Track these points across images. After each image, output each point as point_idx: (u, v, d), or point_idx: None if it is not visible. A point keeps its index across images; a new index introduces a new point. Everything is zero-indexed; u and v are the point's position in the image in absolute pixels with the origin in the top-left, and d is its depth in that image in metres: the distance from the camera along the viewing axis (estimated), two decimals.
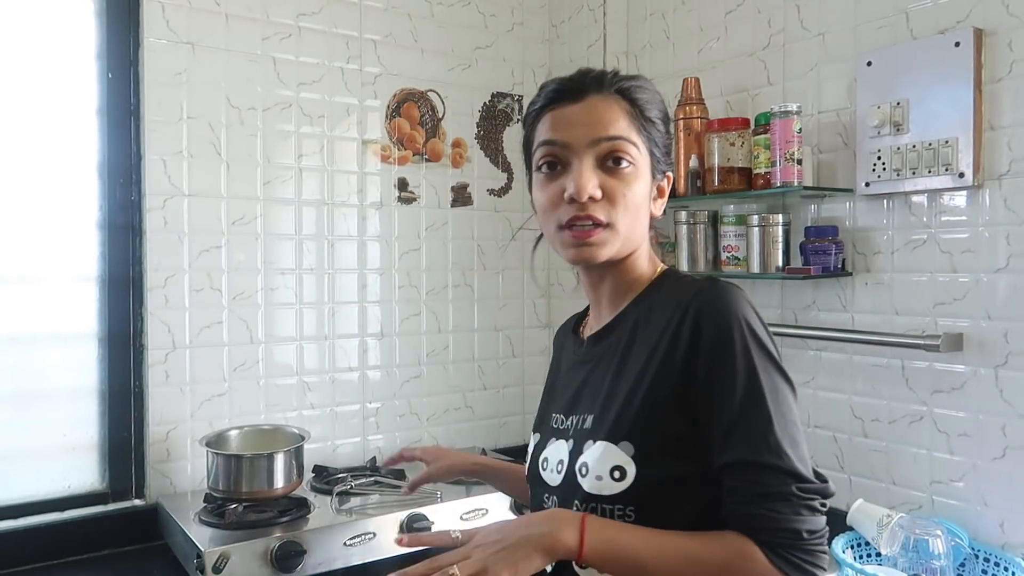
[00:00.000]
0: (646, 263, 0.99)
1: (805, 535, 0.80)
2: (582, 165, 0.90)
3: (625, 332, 0.95)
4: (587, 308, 1.08)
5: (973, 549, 1.40)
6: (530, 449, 1.05)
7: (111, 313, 1.73)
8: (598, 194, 0.90)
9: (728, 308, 0.86)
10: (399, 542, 1.24)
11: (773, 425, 0.82)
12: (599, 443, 0.89)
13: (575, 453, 0.93)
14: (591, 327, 1.04)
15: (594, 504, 0.88)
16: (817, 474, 0.85)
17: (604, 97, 0.93)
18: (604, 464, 0.87)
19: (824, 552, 0.82)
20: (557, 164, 0.93)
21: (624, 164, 0.91)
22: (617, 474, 0.86)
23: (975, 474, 1.43)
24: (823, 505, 0.83)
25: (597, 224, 0.91)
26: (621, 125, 0.92)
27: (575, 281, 1.06)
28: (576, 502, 0.89)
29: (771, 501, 0.80)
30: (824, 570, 0.82)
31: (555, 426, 1.00)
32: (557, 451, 0.97)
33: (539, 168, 0.95)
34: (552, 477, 0.96)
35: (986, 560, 1.38)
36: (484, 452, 2.01)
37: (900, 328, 1.52)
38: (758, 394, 0.83)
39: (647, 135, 0.94)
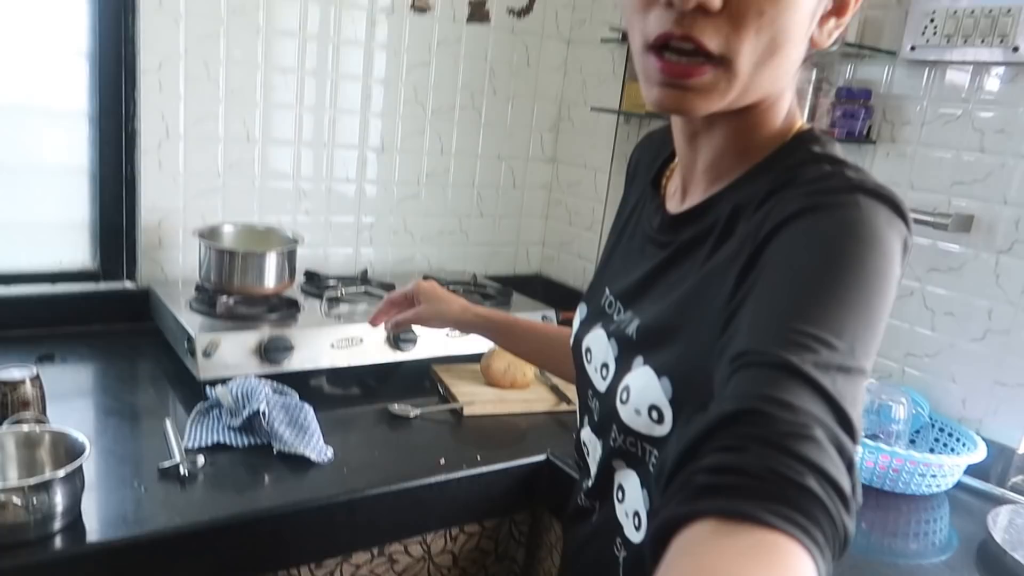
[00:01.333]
0: (779, 119, 0.68)
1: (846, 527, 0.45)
2: None
3: (717, 225, 0.68)
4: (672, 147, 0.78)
5: (931, 419, 1.46)
6: (576, 320, 0.87)
7: (102, 93, 1.65)
8: (716, 2, 0.57)
9: (847, 228, 0.57)
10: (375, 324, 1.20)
11: (847, 310, 0.53)
12: (645, 369, 0.70)
13: (621, 366, 0.75)
14: (676, 191, 0.77)
15: (631, 438, 0.74)
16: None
17: None
18: (644, 398, 0.70)
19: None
20: None
21: None
22: (655, 415, 0.69)
23: (951, 352, 1.47)
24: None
25: (702, 54, 0.59)
26: None
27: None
28: (614, 427, 0.75)
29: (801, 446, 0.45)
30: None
31: (606, 308, 0.81)
32: (601, 347, 0.79)
33: None
34: (596, 378, 0.80)
35: (941, 430, 1.45)
36: (475, 277, 2.03)
37: (912, 203, 1.50)
38: (835, 268, 0.55)
39: None
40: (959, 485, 1.37)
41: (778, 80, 0.64)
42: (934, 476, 1.31)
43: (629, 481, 0.77)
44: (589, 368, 0.81)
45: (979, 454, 1.33)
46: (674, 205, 0.76)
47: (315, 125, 1.89)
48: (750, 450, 0.44)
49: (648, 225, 0.79)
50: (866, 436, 1.38)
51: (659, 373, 0.68)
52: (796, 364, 0.49)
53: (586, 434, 0.84)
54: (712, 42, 0.58)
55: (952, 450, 1.41)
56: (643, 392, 0.69)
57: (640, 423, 0.71)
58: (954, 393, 1.47)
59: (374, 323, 1.24)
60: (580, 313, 0.87)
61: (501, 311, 1.22)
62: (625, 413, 0.72)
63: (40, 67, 1.59)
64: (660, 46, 0.60)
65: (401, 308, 1.21)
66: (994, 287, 1.41)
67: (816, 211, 0.58)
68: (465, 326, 1.16)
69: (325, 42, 1.86)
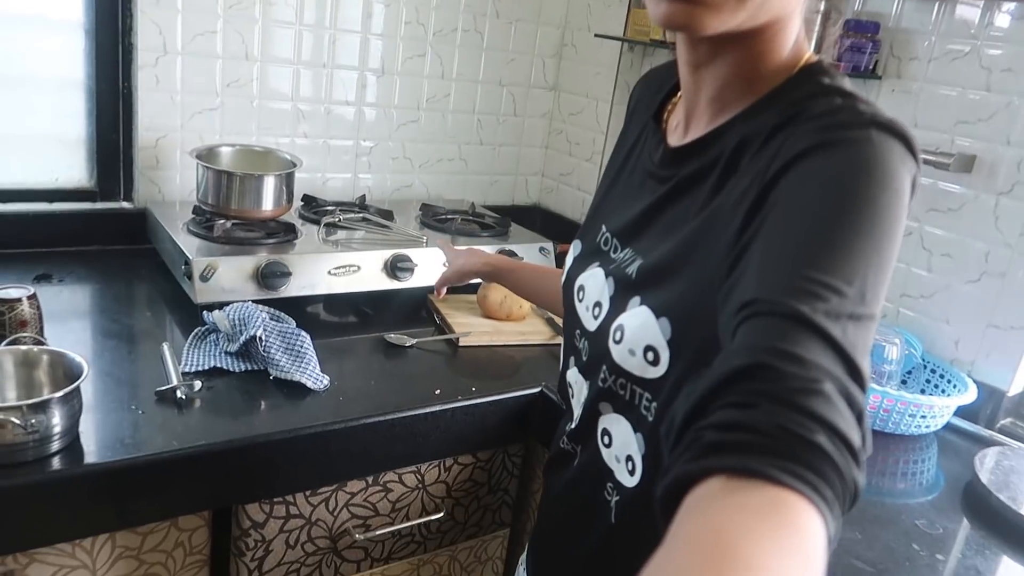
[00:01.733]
0: (787, 48, 0.66)
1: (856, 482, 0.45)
2: None
3: (721, 159, 0.67)
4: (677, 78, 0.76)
5: (924, 360, 1.48)
6: (569, 259, 0.86)
7: (98, 3, 1.61)
8: None
9: (861, 167, 0.55)
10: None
11: (858, 254, 0.52)
12: (643, 308, 0.68)
13: (616, 305, 0.73)
14: (678, 125, 0.75)
15: (622, 379, 0.72)
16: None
17: None
18: (640, 338, 0.68)
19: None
20: None
21: None
22: (650, 356, 0.68)
23: (946, 293, 1.47)
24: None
25: None
26: None
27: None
28: (604, 367, 0.74)
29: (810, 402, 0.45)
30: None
31: (602, 246, 0.79)
32: (596, 285, 0.77)
33: None
34: (587, 317, 0.78)
35: (932, 371, 1.47)
36: (473, 206, 2.01)
37: None
38: (846, 211, 0.54)
39: None
40: (948, 426, 1.39)
41: (790, 1, 0.62)
42: (924, 417, 1.33)
43: (617, 426, 0.76)
44: (580, 307, 0.80)
45: (969, 396, 1.34)
46: (676, 139, 0.74)
47: (315, 44, 1.85)
48: (759, 406, 0.44)
49: (648, 160, 0.77)
50: None
51: (658, 313, 0.67)
52: (806, 314, 0.48)
53: (572, 375, 0.83)
54: None
55: (943, 391, 1.43)
56: (639, 332, 0.68)
57: (633, 363, 0.69)
58: (947, 335, 1.48)
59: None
60: (574, 250, 0.85)
61: (514, 259, 1.38)
62: (618, 353, 0.71)
63: None
64: None
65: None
66: (992, 229, 1.40)
67: (827, 148, 0.56)
68: (479, 275, 1.31)
69: None
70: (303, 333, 1.32)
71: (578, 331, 0.80)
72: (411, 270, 1.59)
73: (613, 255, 0.77)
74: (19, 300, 1.17)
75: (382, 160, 2.04)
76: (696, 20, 0.59)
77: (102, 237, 1.71)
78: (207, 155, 1.66)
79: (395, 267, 1.58)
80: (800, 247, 0.53)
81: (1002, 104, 1.37)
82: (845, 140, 0.56)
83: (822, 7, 0.69)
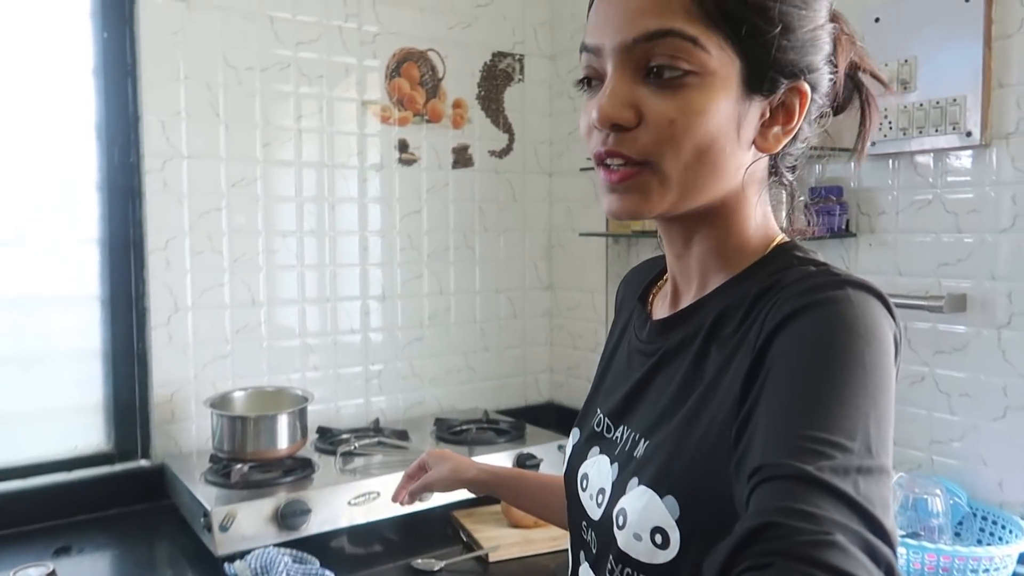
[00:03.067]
0: (751, 227, 0.70)
1: None
2: (612, 78, 0.64)
3: (703, 328, 0.69)
4: (665, 264, 0.80)
5: (971, 508, 1.41)
6: (568, 448, 0.84)
7: (112, 275, 1.73)
8: (626, 117, 0.63)
9: (844, 324, 0.57)
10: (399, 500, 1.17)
11: (856, 409, 0.53)
12: (643, 489, 0.66)
13: (618, 488, 0.70)
14: (664, 302, 0.78)
15: (629, 569, 0.68)
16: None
17: None
18: (645, 521, 0.65)
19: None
20: (594, 78, 0.68)
21: (673, 74, 0.62)
22: (659, 539, 0.64)
23: (975, 434, 1.44)
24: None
25: (628, 162, 0.65)
26: (669, 13, 0.62)
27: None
28: (610, 558, 0.70)
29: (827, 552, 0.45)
30: None
31: (598, 430, 0.79)
32: (600, 472, 0.75)
33: (581, 85, 0.70)
34: (591, 506, 0.75)
35: (984, 519, 1.40)
36: (486, 413, 2.02)
37: (903, 289, 1.51)
38: (836, 368, 0.55)
39: (739, 24, 0.62)
40: None
41: (719, 179, 0.67)
42: (987, 571, 1.25)
43: None
44: (583, 496, 0.77)
45: None
46: (662, 315, 0.77)
47: (317, 281, 1.95)
48: (774, 565, 0.44)
49: (636, 338, 0.79)
50: (906, 535, 1.33)
51: (662, 493, 0.64)
52: (812, 473, 0.49)
53: (584, 572, 0.78)
54: (632, 151, 0.64)
55: (1000, 539, 1.35)
56: (643, 514, 0.65)
57: (640, 549, 0.65)
58: (989, 477, 1.43)
59: (396, 499, 1.20)
60: (573, 439, 0.84)
61: (509, 467, 1.20)
62: (623, 540, 0.67)
63: (51, 257, 1.67)
64: (599, 161, 0.67)
65: (416, 479, 1.18)
66: (1002, 362, 1.39)
67: (811, 309, 0.59)
68: (472, 484, 1.12)
69: (321, 202, 1.94)
70: (327, 573, 1.28)
71: (584, 523, 0.77)
72: (431, 493, 1.56)
73: (611, 437, 0.76)
74: None
75: (392, 381, 2.07)
76: (631, 205, 0.66)
77: (121, 499, 1.70)
78: (220, 402, 1.70)
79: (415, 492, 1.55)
80: (798, 409, 0.54)
81: (976, 243, 1.42)
82: (826, 299, 0.59)
83: (784, 194, 0.75)
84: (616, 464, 0.73)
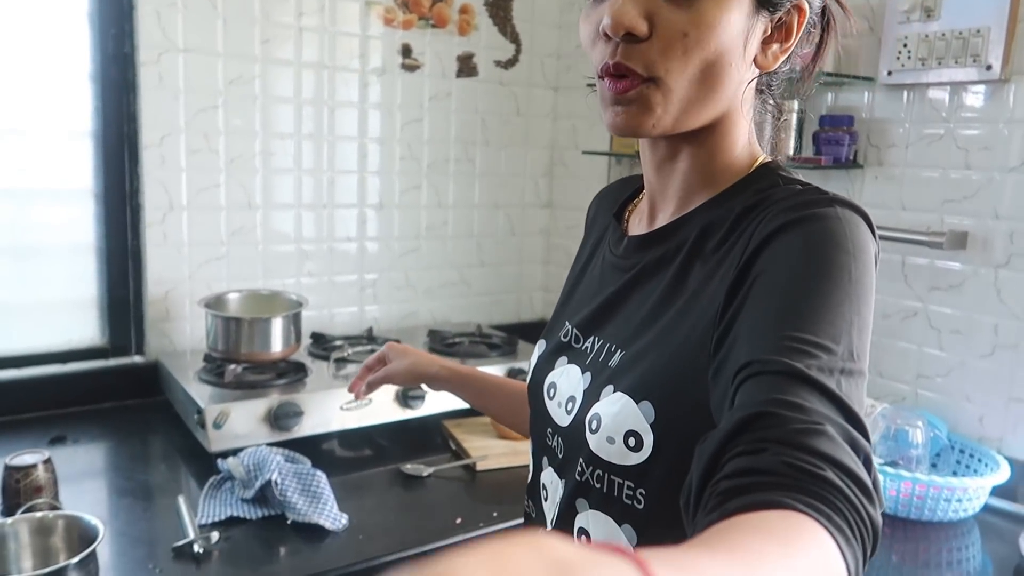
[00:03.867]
0: (739, 146, 0.71)
1: (871, 519, 0.46)
2: None
3: (685, 243, 0.70)
4: (641, 184, 0.81)
5: (950, 441, 1.45)
6: (533, 359, 0.84)
7: (106, 170, 1.69)
8: (640, 28, 0.62)
9: (833, 238, 0.60)
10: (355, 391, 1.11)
11: (841, 316, 0.56)
12: (618, 395, 0.68)
13: (591, 395, 0.72)
14: (641, 220, 0.79)
15: (600, 471, 0.70)
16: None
17: None
18: (619, 425, 0.67)
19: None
20: None
21: None
22: (632, 441, 0.66)
23: (961, 370, 1.46)
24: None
25: (634, 76, 0.64)
26: None
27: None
28: (581, 460, 0.72)
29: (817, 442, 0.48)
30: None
31: (566, 340, 0.79)
32: (569, 380, 0.76)
33: None
34: (559, 414, 0.77)
35: (961, 452, 1.43)
36: (479, 327, 2.03)
37: (906, 224, 1.51)
38: (824, 278, 0.58)
39: None
40: (987, 508, 1.34)
41: (720, 97, 0.67)
42: (959, 500, 1.29)
43: (595, 522, 0.72)
44: (551, 404, 0.78)
45: (1003, 474, 1.31)
46: (639, 231, 0.78)
47: (314, 187, 1.92)
48: (768, 450, 0.47)
49: (610, 253, 0.80)
50: (886, 463, 1.37)
51: (638, 398, 0.66)
52: (801, 369, 0.52)
53: (547, 476, 0.79)
54: (638, 66, 0.64)
55: (975, 472, 1.39)
56: (617, 419, 0.67)
57: (612, 451, 0.68)
58: (970, 412, 1.46)
59: (351, 390, 1.15)
60: (538, 350, 0.84)
61: (471, 367, 1.14)
62: (595, 443, 0.69)
63: (45, 149, 1.63)
64: (603, 73, 0.66)
65: (375, 371, 1.13)
66: (996, 302, 1.40)
67: (799, 223, 0.61)
68: (433, 380, 1.08)
69: (320, 106, 1.90)
70: (318, 473, 1.30)
71: (550, 430, 0.78)
72: (422, 398, 1.59)
73: (579, 347, 0.77)
74: (34, 466, 1.17)
75: (387, 291, 2.08)
76: (633, 120, 0.66)
77: (115, 393, 1.72)
78: (215, 303, 1.70)
79: (406, 396, 1.58)
80: (786, 312, 0.57)
81: (984, 180, 1.40)
82: (814, 215, 0.61)
83: (770, 110, 0.74)
84: (589, 373, 0.74)
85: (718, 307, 0.62)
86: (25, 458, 1.18)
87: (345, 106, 1.94)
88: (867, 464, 0.48)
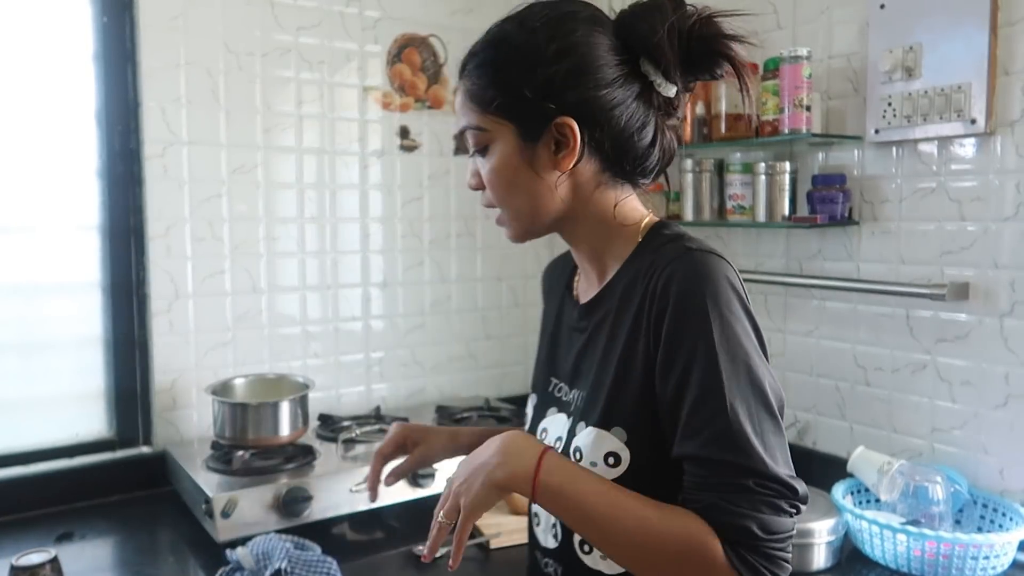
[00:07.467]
0: (613, 222, 0.89)
1: (761, 534, 0.73)
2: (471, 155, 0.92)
3: (614, 304, 0.88)
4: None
5: (972, 495, 1.41)
6: (529, 412, 1.02)
7: (113, 262, 1.72)
8: (473, 183, 0.92)
9: (695, 283, 0.78)
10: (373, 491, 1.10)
11: (734, 416, 0.75)
12: (590, 429, 0.86)
13: (570, 434, 0.89)
14: (583, 289, 0.97)
15: None
16: (791, 476, 0.77)
17: (461, 83, 0.90)
18: (598, 450, 0.84)
19: (786, 559, 0.75)
20: None
21: (480, 150, 0.89)
22: (612, 460, 0.83)
23: (976, 422, 1.44)
24: (792, 506, 0.76)
25: (493, 207, 0.91)
26: (465, 112, 0.89)
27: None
28: None
29: (727, 492, 0.74)
30: None
31: (556, 394, 0.96)
32: (556, 425, 0.93)
33: None
34: None
35: (984, 506, 1.40)
36: (487, 401, 2.02)
37: (906, 277, 1.51)
38: (716, 382, 0.76)
39: (501, 100, 0.85)
40: (1015, 564, 1.30)
41: (543, 203, 0.87)
42: (987, 558, 1.25)
43: None
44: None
45: None
46: (585, 298, 0.95)
47: (318, 268, 1.95)
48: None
49: (570, 319, 0.98)
50: (907, 522, 1.34)
51: (609, 426, 0.84)
52: (732, 460, 0.75)
53: (538, 507, 0.92)
54: (490, 203, 0.91)
55: (1001, 527, 1.36)
56: (595, 446, 0.84)
57: (597, 472, 0.83)
58: (989, 464, 1.43)
59: (371, 488, 1.11)
60: (531, 401, 1.02)
61: (487, 426, 1.19)
62: None
63: (52, 244, 1.66)
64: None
65: (391, 457, 1.11)
66: (1005, 351, 1.39)
67: (674, 276, 0.80)
68: (460, 451, 1.08)
69: (322, 189, 1.94)
70: (328, 559, 1.28)
71: None
72: (432, 476, 1.57)
73: (565, 398, 0.94)
74: (41, 565, 1.15)
75: (393, 368, 2.07)
76: (510, 236, 0.92)
77: (123, 486, 1.70)
78: (221, 389, 1.70)
79: (416, 475, 1.56)
80: (701, 399, 0.77)
81: (980, 231, 1.42)
82: (674, 258, 0.81)
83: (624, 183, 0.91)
84: (571, 418, 0.91)
85: (649, 343, 0.81)
86: (32, 557, 1.16)
87: (346, 188, 1.98)
88: (793, 496, 0.75)
